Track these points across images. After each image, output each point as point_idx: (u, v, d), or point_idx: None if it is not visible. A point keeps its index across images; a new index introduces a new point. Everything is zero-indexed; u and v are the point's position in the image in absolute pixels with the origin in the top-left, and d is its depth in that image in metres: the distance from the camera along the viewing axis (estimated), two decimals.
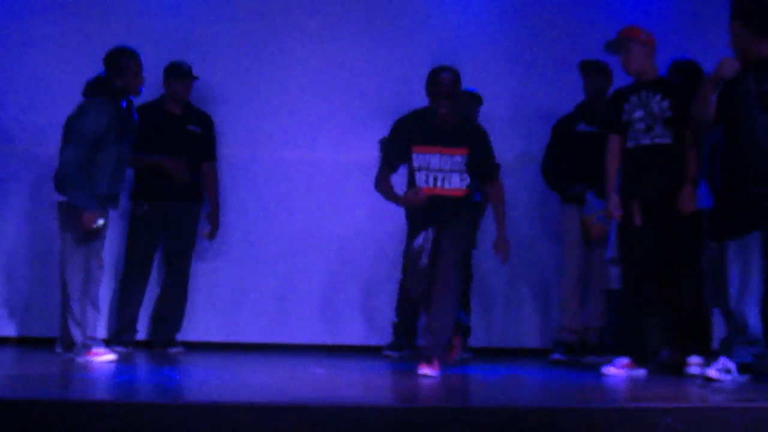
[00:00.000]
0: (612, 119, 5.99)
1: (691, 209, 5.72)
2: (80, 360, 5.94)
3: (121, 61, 6.12)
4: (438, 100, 5.81)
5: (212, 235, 7.15)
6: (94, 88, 6.11)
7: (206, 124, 7.17)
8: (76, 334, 6.02)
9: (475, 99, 7.06)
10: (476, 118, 7.05)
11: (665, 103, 5.78)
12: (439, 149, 5.84)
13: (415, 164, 5.87)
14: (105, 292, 7.06)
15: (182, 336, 7.11)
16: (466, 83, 7.34)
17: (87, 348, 6.00)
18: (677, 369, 5.87)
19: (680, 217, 5.75)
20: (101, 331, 6.99)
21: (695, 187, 5.75)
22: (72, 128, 5.99)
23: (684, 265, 5.82)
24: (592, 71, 6.90)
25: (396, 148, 5.95)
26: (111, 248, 7.05)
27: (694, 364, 5.61)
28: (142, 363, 6.41)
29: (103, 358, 5.99)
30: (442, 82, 5.82)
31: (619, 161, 5.95)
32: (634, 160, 5.88)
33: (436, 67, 5.93)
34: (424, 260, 5.80)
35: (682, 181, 5.77)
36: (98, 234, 6.08)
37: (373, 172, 7.37)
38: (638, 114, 5.85)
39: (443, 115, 5.82)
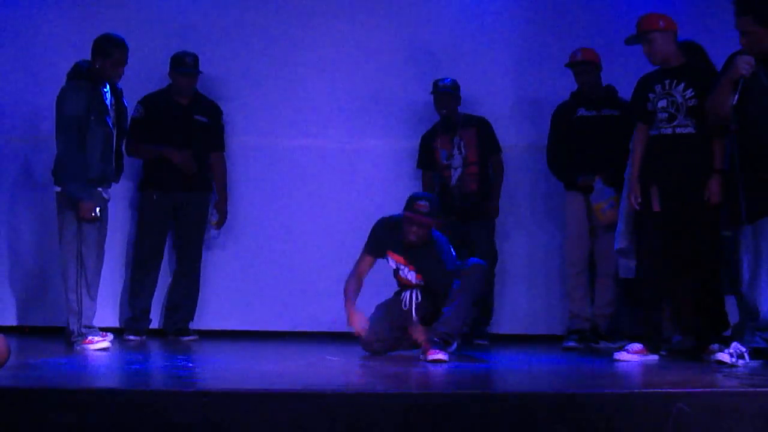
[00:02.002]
0: (637, 107, 5.97)
1: (718, 200, 5.70)
2: (77, 348, 5.99)
3: (107, 48, 6.14)
4: (410, 227, 5.88)
5: (220, 225, 7.17)
6: (73, 73, 6.18)
7: (214, 113, 7.17)
8: (72, 322, 6.07)
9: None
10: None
11: (689, 92, 5.73)
12: (405, 262, 6.02)
13: (392, 265, 6.11)
14: (117, 281, 7.14)
15: (196, 324, 7.14)
16: (473, 70, 7.36)
17: (82, 336, 6.04)
18: (689, 354, 5.88)
19: (700, 205, 5.73)
20: (113, 320, 7.06)
21: (722, 177, 5.71)
22: (57, 118, 6.08)
23: (702, 252, 5.81)
24: (582, 69, 6.87)
25: (376, 248, 6.09)
26: (121, 238, 7.12)
27: (718, 350, 5.57)
28: (155, 351, 6.44)
29: (98, 345, 6.03)
30: (418, 210, 5.86)
31: (643, 149, 5.93)
32: (655, 148, 5.85)
33: (415, 194, 6.02)
34: (414, 317, 6.02)
35: (703, 171, 5.73)
36: (91, 223, 6.10)
37: (381, 160, 7.44)
38: (661, 104, 5.81)
39: (411, 241, 5.91)
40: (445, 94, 7.11)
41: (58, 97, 6.10)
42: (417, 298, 6.08)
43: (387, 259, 6.12)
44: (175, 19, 7.42)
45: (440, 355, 5.58)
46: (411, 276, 6.06)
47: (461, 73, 7.36)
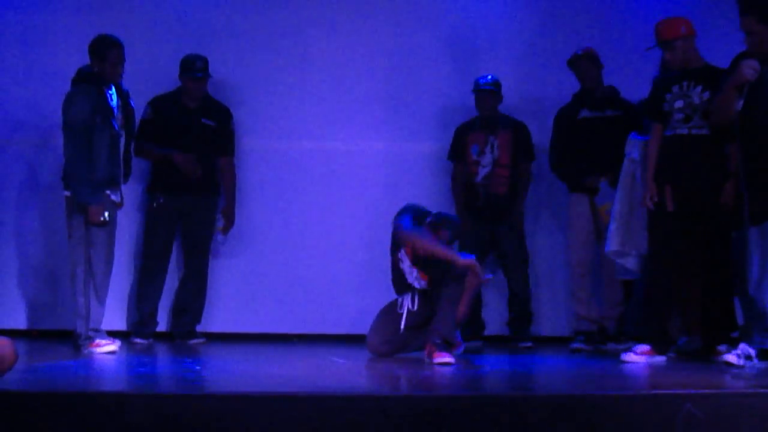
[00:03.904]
0: (653, 108, 5.97)
1: (733, 203, 5.69)
2: (84, 351, 5.99)
3: (102, 50, 6.14)
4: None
5: (226, 231, 7.16)
6: (78, 78, 6.20)
7: (223, 117, 7.14)
8: (80, 326, 6.08)
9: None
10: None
11: (706, 95, 5.73)
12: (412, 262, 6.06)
13: (403, 263, 6.10)
14: (124, 284, 7.14)
15: (203, 327, 7.14)
16: (477, 71, 7.35)
17: (90, 339, 6.04)
18: (697, 356, 5.88)
19: (713, 206, 5.72)
20: (120, 323, 7.06)
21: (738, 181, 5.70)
22: (64, 123, 6.08)
23: (715, 254, 5.80)
24: (582, 65, 6.87)
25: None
26: (129, 241, 7.11)
27: (725, 352, 5.56)
28: (162, 354, 6.44)
29: (105, 349, 6.03)
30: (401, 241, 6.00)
31: (658, 149, 5.92)
32: (669, 148, 5.85)
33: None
34: (402, 326, 6.02)
35: (717, 173, 5.73)
36: (101, 227, 6.11)
37: (391, 163, 7.43)
38: (678, 104, 5.81)
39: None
40: (485, 92, 7.02)
41: (63, 103, 6.11)
42: (412, 305, 6.06)
43: (399, 257, 6.09)
44: (185, 22, 7.42)
45: (447, 358, 5.58)
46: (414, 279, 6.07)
47: (465, 74, 7.36)
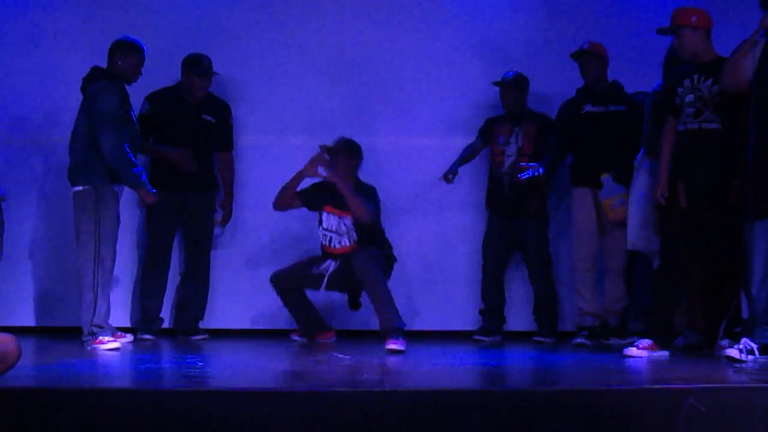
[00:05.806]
0: (666, 101, 5.96)
1: (744, 200, 5.68)
2: (87, 348, 6.00)
3: (128, 51, 6.28)
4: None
5: (224, 223, 7.18)
6: (93, 77, 6.24)
7: (222, 113, 7.14)
8: (85, 322, 6.09)
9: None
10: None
11: (716, 88, 5.72)
12: (332, 210, 6.58)
13: (328, 225, 6.64)
14: (127, 281, 7.13)
15: (206, 323, 7.14)
16: (488, 67, 7.34)
17: (93, 336, 6.06)
18: (699, 350, 5.88)
19: (724, 202, 5.71)
20: (125, 321, 7.06)
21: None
22: (97, 116, 6.08)
23: (726, 250, 5.80)
24: (585, 60, 6.87)
25: (311, 198, 6.72)
26: (130, 238, 7.11)
27: (728, 346, 5.55)
28: (165, 351, 6.45)
29: (109, 346, 6.04)
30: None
31: (672, 143, 5.92)
32: (682, 144, 5.84)
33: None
34: (323, 285, 6.60)
35: (728, 168, 5.70)
36: (109, 223, 6.13)
37: (389, 158, 7.41)
38: (689, 98, 5.80)
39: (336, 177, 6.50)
40: (505, 86, 7.10)
41: (91, 97, 6.13)
42: (332, 267, 6.57)
43: (322, 218, 6.60)
44: (184, 21, 7.40)
45: (396, 346, 5.94)
46: (343, 234, 6.56)
47: (468, 70, 7.36)
